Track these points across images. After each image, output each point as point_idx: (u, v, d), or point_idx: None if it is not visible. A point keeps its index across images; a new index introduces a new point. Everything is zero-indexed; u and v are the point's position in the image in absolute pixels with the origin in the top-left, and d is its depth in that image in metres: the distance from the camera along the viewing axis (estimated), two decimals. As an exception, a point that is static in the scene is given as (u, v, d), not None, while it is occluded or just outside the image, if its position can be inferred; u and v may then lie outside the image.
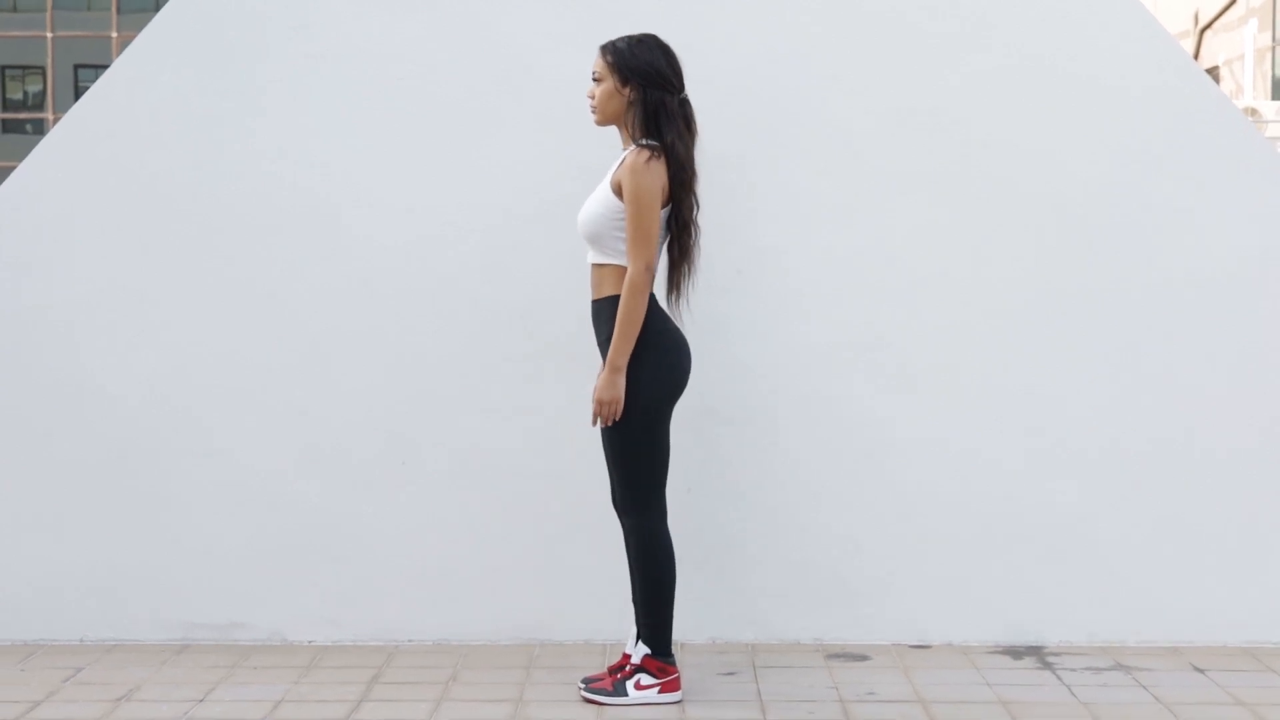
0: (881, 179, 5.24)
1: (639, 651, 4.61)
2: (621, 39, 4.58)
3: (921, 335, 5.24)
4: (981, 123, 5.23)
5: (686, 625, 5.07)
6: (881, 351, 5.24)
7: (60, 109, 38.68)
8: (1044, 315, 5.23)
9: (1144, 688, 4.76)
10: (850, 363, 5.24)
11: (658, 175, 4.45)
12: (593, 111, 4.60)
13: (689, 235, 4.56)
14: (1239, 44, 28.28)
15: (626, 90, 4.52)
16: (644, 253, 4.44)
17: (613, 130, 4.64)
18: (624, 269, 4.47)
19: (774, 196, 5.18)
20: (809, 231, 5.24)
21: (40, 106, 40.51)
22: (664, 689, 4.60)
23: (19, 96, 41.50)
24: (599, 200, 4.52)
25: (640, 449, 4.55)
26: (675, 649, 4.70)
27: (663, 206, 4.48)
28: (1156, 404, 5.23)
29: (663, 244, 4.55)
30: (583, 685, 4.67)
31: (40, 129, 38.42)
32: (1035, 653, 5.15)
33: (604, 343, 4.54)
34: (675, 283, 4.61)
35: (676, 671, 4.62)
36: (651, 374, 4.51)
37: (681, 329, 4.60)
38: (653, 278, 4.49)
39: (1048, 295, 5.23)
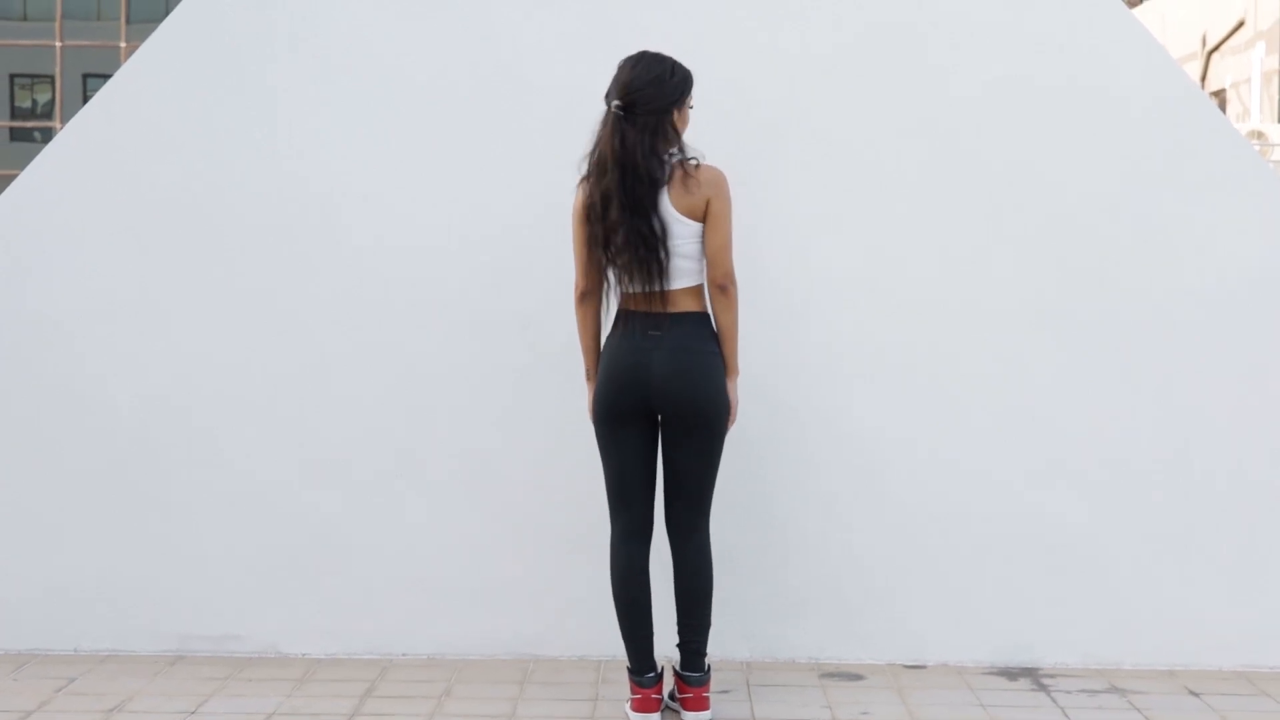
0: (879, 193, 5.23)
1: None
2: None
3: (919, 351, 5.24)
4: (981, 139, 5.23)
5: (681, 642, 5.07)
6: (879, 367, 5.24)
7: (68, 118, 38.72)
8: (1041, 332, 5.23)
9: (1139, 710, 4.75)
10: (847, 378, 5.24)
11: (576, 199, 4.55)
12: None
13: (613, 260, 4.49)
14: (1246, 67, 28.25)
15: None
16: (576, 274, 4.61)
17: None
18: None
19: (771, 211, 5.18)
20: (806, 246, 5.23)
21: (49, 115, 40.62)
22: (630, 706, 4.61)
23: (28, 105, 41.61)
24: None
25: (601, 462, 4.66)
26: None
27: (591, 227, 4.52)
28: (1155, 423, 5.22)
29: (603, 267, 4.54)
30: None
31: (48, 137, 38.47)
32: (1030, 674, 5.14)
33: None
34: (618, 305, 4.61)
35: (639, 693, 4.57)
36: (594, 394, 4.63)
37: (650, 350, 4.50)
38: (581, 297, 4.57)
39: (1046, 312, 5.22)
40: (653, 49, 4.58)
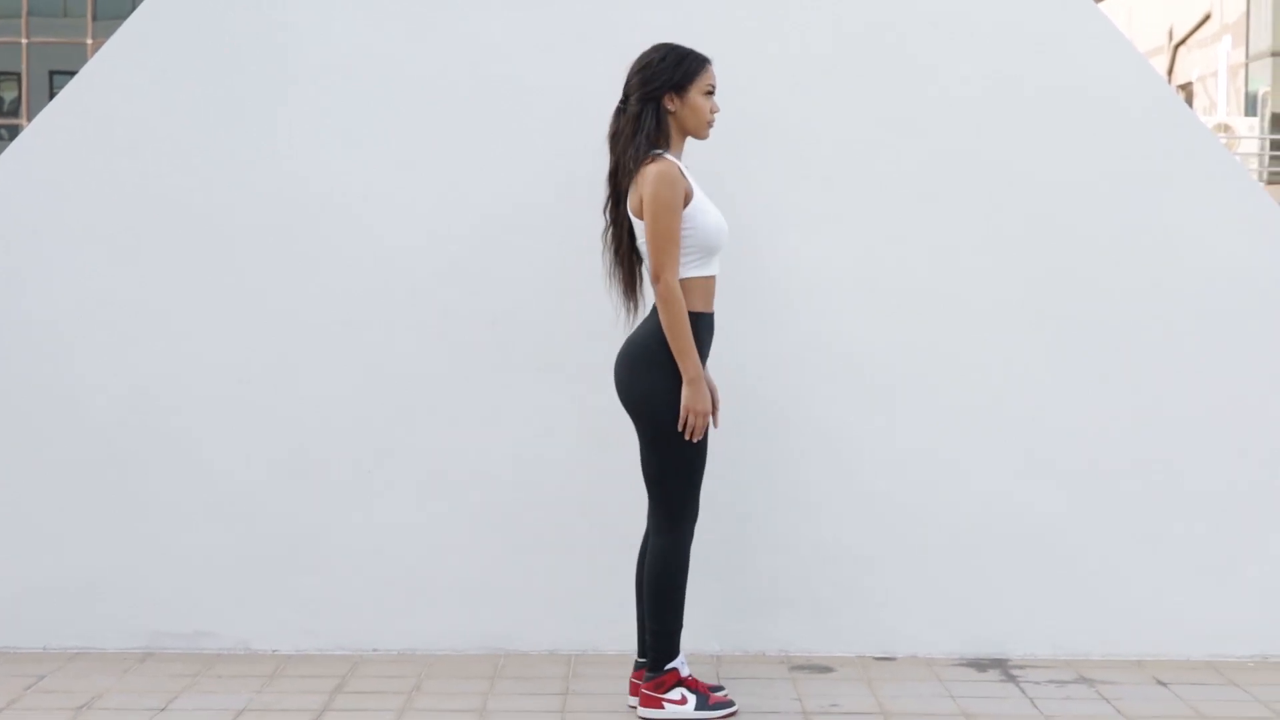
0: (862, 192, 5.23)
1: None
2: None
3: (895, 346, 5.24)
4: (962, 138, 5.23)
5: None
6: (853, 361, 5.24)
7: (35, 115, 38.49)
8: (1017, 328, 5.24)
9: (1107, 700, 4.78)
10: (821, 372, 5.24)
11: None
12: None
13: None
14: (1212, 60, 28.43)
15: None
16: None
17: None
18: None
19: (752, 208, 5.17)
20: (786, 243, 5.23)
21: (15, 113, 40.36)
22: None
23: (-7, 103, 41.37)
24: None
25: None
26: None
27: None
28: (1125, 419, 5.24)
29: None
30: None
31: (15, 135, 38.23)
32: (999, 665, 5.16)
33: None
34: None
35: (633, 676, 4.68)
36: None
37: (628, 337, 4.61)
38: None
39: (1023, 309, 5.23)
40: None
